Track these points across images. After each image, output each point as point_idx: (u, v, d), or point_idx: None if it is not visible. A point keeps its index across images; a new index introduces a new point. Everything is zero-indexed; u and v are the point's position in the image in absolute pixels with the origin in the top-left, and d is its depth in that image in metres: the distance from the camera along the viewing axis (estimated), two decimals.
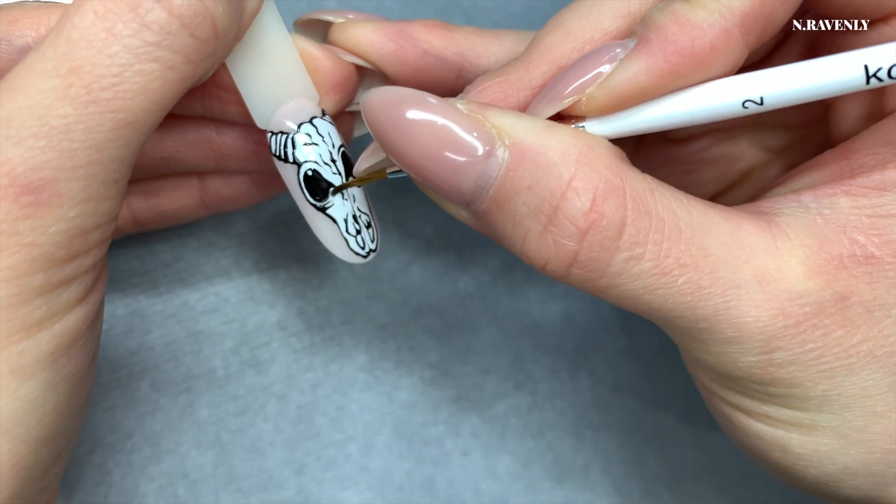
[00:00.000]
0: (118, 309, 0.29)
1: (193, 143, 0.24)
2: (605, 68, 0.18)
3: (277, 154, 0.22)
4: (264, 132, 0.22)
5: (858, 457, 0.18)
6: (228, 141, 0.24)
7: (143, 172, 0.25)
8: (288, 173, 0.22)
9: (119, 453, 0.28)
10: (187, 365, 0.29)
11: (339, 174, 0.22)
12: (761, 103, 0.18)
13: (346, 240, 0.22)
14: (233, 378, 0.29)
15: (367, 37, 0.24)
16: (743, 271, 0.18)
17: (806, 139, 0.24)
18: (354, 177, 0.22)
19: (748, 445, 0.20)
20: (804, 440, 0.19)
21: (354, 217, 0.22)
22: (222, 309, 0.30)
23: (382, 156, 0.20)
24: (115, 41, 0.17)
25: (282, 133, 0.22)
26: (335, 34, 0.24)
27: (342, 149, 0.22)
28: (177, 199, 0.26)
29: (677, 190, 0.18)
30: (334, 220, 0.22)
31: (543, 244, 0.18)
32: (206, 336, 0.29)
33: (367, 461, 0.29)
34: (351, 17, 0.24)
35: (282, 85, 0.22)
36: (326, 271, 0.31)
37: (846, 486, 0.19)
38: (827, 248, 0.18)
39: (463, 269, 0.31)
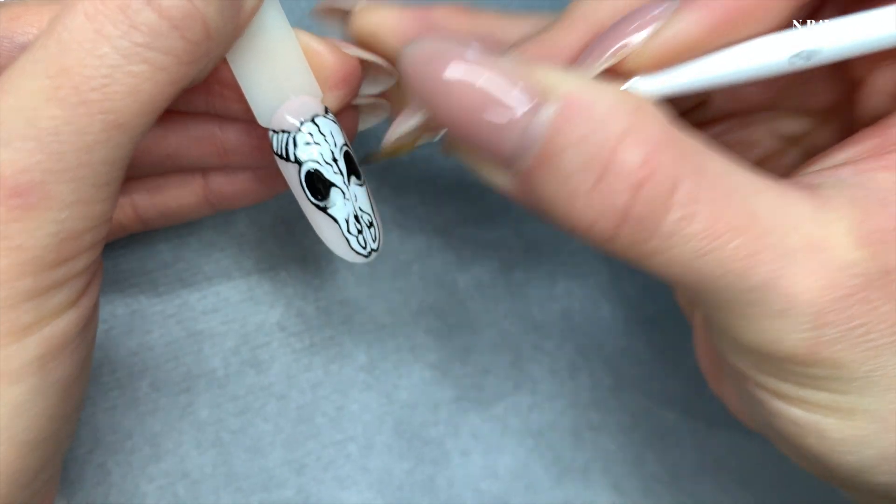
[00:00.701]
0: (118, 309, 0.29)
1: (197, 139, 0.24)
2: (653, 25, 0.18)
3: (279, 152, 0.22)
4: (267, 129, 0.22)
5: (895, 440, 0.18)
6: (231, 137, 0.24)
7: (146, 169, 0.25)
8: (289, 172, 0.22)
9: (119, 453, 0.28)
10: (187, 365, 0.29)
11: (341, 174, 0.22)
12: (809, 59, 0.18)
13: (347, 239, 0.22)
14: (233, 378, 0.29)
15: (390, 23, 0.23)
16: (792, 238, 0.17)
17: (822, 126, 0.24)
18: (384, 148, 0.21)
19: (781, 431, 0.19)
20: (842, 425, 0.18)
21: (356, 217, 0.22)
22: (222, 309, 0.30)
23: (413, 123, 0.20)
24: (105, 42, 0.17)
25: (283, 131, 0.22)
26: (357, 20, 0.24)
27: (345, 147, 0.22)
28: (180, 196, 0.26)
29: (725, 150, 0.18)
30: (335, 220, 0.22)
31: (593, 200, 0.17)
32: (206, 336, 0.29)
33: (367, 461, 0.29)
34: (366, 3, 0.24)
35: (284, 82, 0.21)
36: (327, 271, 0.31)
37: (882, 471, 0.18)
38: (870, 220, 0.17)
39: (463, 269, 0.31)
